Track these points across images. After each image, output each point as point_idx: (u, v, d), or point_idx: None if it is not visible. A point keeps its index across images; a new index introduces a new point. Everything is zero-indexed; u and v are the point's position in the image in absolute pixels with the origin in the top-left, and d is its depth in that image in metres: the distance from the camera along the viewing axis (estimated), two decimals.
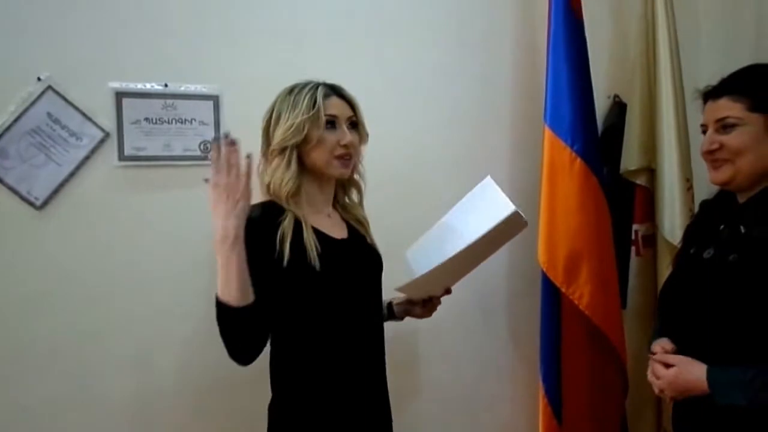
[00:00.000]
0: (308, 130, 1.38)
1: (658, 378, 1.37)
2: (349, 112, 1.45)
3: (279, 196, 1.39)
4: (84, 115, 1.64)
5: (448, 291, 1.58)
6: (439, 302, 1.59)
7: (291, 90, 1.43)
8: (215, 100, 1.77)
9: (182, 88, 1.74)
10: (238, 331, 1.26)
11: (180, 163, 1.75)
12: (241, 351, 1.29)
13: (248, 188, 1.23)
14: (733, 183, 1.36)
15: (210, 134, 1.77)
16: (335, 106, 1.43)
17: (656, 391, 1.39)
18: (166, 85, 1.72)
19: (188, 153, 1.75)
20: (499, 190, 1.46)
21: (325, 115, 1.40)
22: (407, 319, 1.66)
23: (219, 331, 1.27)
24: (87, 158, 1.65)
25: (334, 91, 1.45)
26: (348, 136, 1.42)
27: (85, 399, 1.65)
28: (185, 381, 1.76)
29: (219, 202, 1.20)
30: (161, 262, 1.73)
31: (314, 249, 1.34)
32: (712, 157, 1.36)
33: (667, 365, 1.35)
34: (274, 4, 1.86)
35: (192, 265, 1.74)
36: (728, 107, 1.33)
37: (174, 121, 1.73)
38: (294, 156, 1.40)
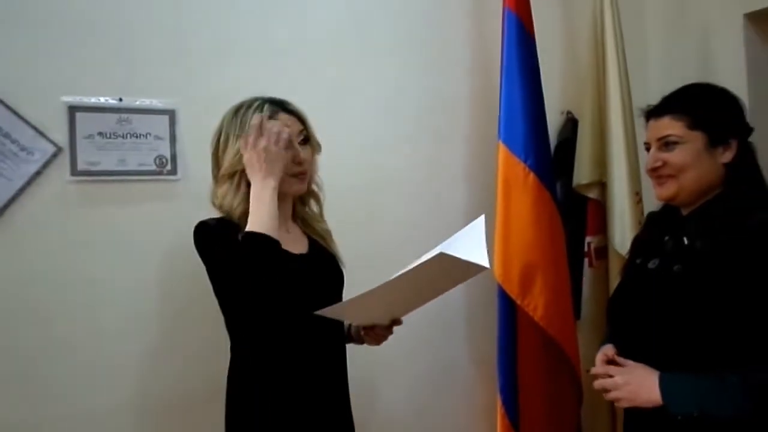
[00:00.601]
0: None
1: (609, 389, 1.38)
2: (298, 127, 1.42)
3: (232, 217, 1.36)
4: (36, 129, 1.62)
5: (397, 322, 1.51)
6: (390, 332, 1.52)
7: (237, 110, 1.40)
8: (171, 114, 1.76)
9: (137, 103, 1.73)
10: (270, 260, 1.25)
11: (134, 178, 1.73)
12: (263, 283, 1.25)
13: (285, 157, 1.32)
14: (678, 198, 1.41)
15: (166, 149, 1.76)
16: (285, 121, 1.39)
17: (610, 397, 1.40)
18: (120, 100, 1.71)
19: (143, 168, 1.74)
20: (482, 233, 1.35)
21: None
22: None
23: (245, 266, 1.23)
24: (38, 173, 1.63)
25: (281, 107, 1.42)
26: (301, 152, 1.40)
27: (34, 418, 1.61)
28: (142, 398, 1.73)
29: (254, 166, 1.30)
30: (115, 278, 1.70)
31: None
32: (657, 173, 1.41)
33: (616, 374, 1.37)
34: (230, 19, 1.86)
35: (147, 281, 1.73)
36: (670, 126, 1.38)
37: (129, 136, 1.72)
38: (243, 180, 1.36)
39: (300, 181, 1.43)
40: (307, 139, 1.45)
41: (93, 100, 1.68)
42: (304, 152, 1.42)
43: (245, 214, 1.33)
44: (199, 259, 1.35)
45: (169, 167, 1.76)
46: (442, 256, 1.22)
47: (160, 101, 1.75)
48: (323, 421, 1.41)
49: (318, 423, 1.40)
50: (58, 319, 1.64)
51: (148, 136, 1.74)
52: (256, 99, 1.42)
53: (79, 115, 1.66)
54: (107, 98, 1.70)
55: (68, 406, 1.65)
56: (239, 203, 1.36)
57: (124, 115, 1.71)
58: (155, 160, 1.75)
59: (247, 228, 1.27)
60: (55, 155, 1.64)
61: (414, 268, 1.27)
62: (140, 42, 1.74)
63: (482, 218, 1.40)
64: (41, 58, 1.63)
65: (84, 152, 1.67)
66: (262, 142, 1.29)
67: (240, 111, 1.40)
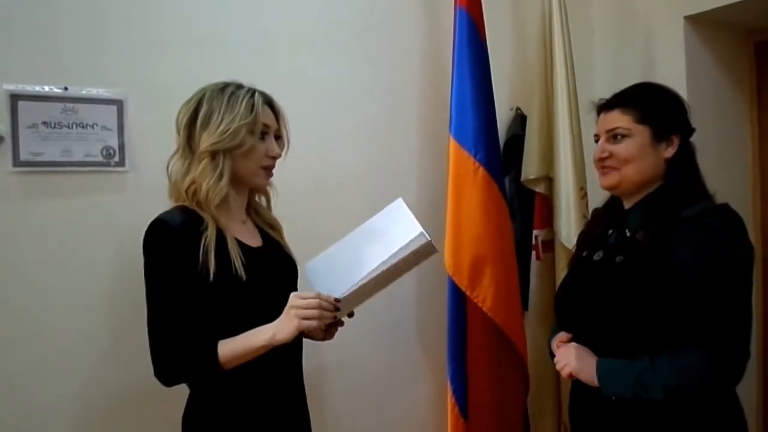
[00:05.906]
0: (243, 137, 1.34)
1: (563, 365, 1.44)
2: (276, 124, 1.44)
3: (201, 201, 1.33)
4: None
5: (350, 314, 1.48)
6: (342, 324, 1.50)
7: (223, 88, 1.37)
8: (119, 104, 1.72)
9: (84, 92, 1.68)
10: (203, 383, 1.33)
11: (80, 169, 1.68)
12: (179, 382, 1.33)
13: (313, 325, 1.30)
14: (620, 188, 1.48)
15: (113, 140, 1.72)
16: (269, 115, 1.41)
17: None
18: (66, 88, 1.66)
19: (89, 159, 1.69)
20: (409, 213, 1.40)
21: (261, 123, 1.37)
22: None
23: (184, 372, 1.29)
24: None
25: (268, 101, 1.43)
26: (277, 148, 1.42)
27: None
28: (86, 396, 1.69)
29: (293, 321, 1.27)
30: (60, 272, 1.66)
31: (239, 258, 1.31)
32: (603, 164, 1.48)
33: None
34: (180, 9, 1.84)
35: (91, 275, 1.69)
36: (618, 119, 1.45)
37: (74, 126, 1.67)
38: (227, 164, 1.34)
39: (268, 175, 1.44)
40: (278, 137, 1.46)
41: (37, 89, 1.62)
42: (278, 149, 1.44)
43: (224, 201, 1.35)
44: None
45: (116, 158, 1.72)
46: (426, 244, 1.29)
47: (107, 91, 1.71)
48: (282, 414, 1.41)
49: (277, 416, 1.39)
50: None
51: (94, 126, 1.69)
52: (241, 84, 1.41)
53: (21, 104, 1.60)
54: (52, 87, 1.64)
55: (7, 402, 1.60)
56: (219, 190, 1.33)
57: (70, 105, 1.66)
58: (102, 151, 1.71)
59: (222, 353, 1.26)
60: None
61: (398, 260, 1.30)
62: (87, 29, 1.70)
63: (401, 200, 1.46)
64: None
65: (27, 142, 1.61)
66: (325, 315, 1.29)
67: (227, 90, 1.37)
